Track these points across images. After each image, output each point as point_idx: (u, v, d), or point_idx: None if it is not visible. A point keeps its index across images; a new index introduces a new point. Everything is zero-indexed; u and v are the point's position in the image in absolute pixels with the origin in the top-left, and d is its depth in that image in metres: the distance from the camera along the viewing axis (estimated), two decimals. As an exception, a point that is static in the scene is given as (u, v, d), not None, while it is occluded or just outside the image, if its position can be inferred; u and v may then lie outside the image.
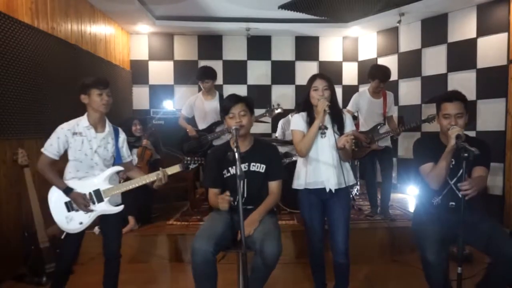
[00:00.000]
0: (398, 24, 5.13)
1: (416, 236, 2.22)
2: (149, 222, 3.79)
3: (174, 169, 2.33)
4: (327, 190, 2.30)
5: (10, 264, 2.96)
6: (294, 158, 4.05)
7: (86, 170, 2.29)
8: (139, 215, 3.65)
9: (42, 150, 2.24)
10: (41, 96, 3.36)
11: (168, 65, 6.03)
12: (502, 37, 4.29)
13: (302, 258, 3.34)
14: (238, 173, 1.81)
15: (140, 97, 6.00)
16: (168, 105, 5.76)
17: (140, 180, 2.32)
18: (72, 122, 2.29)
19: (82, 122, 2.29)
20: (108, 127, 2.37)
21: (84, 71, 4.24)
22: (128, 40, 5.87)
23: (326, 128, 2.22)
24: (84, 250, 3.10)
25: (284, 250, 3.33)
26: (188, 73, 5.79)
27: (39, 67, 3.37)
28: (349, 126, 2.37)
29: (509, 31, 4.20)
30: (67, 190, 2.22)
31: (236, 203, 2.10)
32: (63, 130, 2.24)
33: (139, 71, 5.97)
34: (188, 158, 2.38)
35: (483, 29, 4.49)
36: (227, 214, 2.26)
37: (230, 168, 2.32)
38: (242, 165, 2.21)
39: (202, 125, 4.02)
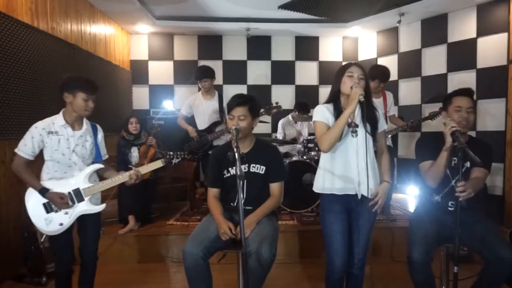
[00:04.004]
0: (398, 24, 5.13)
1: (408, 232, 2.24)
2: (149, 222, 3.79)
3: (157, 164, 2.32)
4: (359, 196, 2.03)
5: (10, 264, 2.96)
6: (294, 158, 4.05)
7: (65, 170, 2.21)
8: (139, 215, 3.65)
9: (16, 150, 2.14)
10: (41, 96, 3.36)
11: (168, 65, 6.03)
12: (502, 37, 4.29)
13: (304, 258, 3.35)
14: (238, 173, 1.81)
15: (140, 97, 6.00)
16: (168, 105, 5.77)
17: (117, 179, 2.27)
18: (47, 120, 2.20)
19: (57, 121, 2.20)
20: (86, 124, 2.29)
21: (84, 71, 4.24)
22: (128, 40, 5.87)
23: (356, 126, 1.92)
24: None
25: (286, 250, 3.39)
26: (188, 73, 5.78)
27: (39, 67, 3.37)
28: (382, 126, 2.12)
29: (509, 31, 4.20)
30: (43, 191, 2.15)
31: (236, 203, 2.10)
32: (37, 129, 2.15)
33: (139, 71, 5.97)
34: (171, 153, 2.36)
35: (483, 29, 4.49)
36: (226, 215, 2.26)
37: (230, 169, 2.31)
38: (242, 166, 2.20)
39: (201, 125, 4.02)
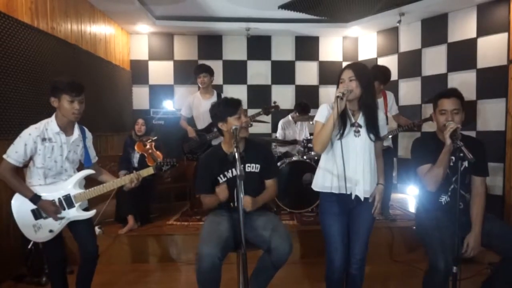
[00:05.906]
0: (398, 24, 5.12)
1: (425, 240, 2.15)
2: (149, 222, 3.79)
3: (148, 171, 2.31)
4: (353, 197, 2.02)
5: (10, 264, 2.96)
6: (294, 158, 4.05)
7: (54, 177, 2.17)
8: (139, 215, 3.65)
9: (5, 156, 2.06)
10: (41, 96, 3.36)
11: (168, 65, 6.03)
12: (502, 37, 4.29)
13: (304, 258, 3.34)
14: (239, 173, 1.81)
15: (140, 97, 6.00)
16: (168, 105, 5.77)
17: (113, 183, 2.24)
18: (41, 126, 2.11)
19: (51, 126, 2.13)
20: (77, 129, 2.24)
21: (84, 71, 4.24)
22: (128, 40, 5.87)
23: (359, 126, 1.98)
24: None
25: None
26: (188, 73, 5.78)
27: (39, 67, 3.37)
28: (383, 131, 2.08)
29: (509, 31, 4.20)
30: (35, 198, 2.08)
31: (236, 204, 2.10)
32: (31, 137, 2.06)
33: (139, 71, 5.97)
34: (161, 160, 2.36)
35: (483, 29, 4.49)
36: (226, 216, 2.26)
37: (226, 172, 2.30)
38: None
39: (200, 125, 4.02)
